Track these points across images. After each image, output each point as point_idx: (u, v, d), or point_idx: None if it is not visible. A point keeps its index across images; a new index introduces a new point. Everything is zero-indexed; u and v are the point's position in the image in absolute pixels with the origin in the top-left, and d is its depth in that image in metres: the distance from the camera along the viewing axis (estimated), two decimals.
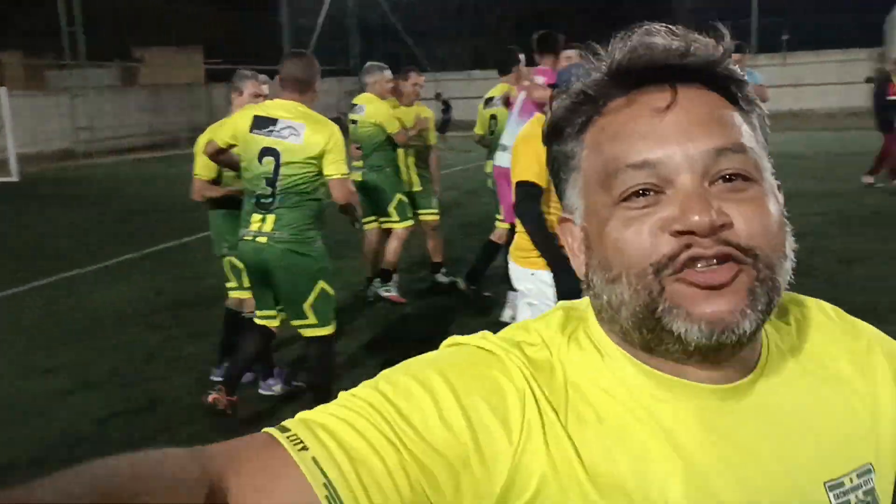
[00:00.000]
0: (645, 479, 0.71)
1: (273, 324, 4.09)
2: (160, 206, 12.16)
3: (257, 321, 4.12)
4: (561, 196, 0.81)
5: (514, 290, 5.79)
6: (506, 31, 31.51)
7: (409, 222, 6.43)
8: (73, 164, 21.04)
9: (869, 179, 11.19)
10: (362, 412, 0.69)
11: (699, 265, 0.68)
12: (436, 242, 6.77)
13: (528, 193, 3.30)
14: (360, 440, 0.67)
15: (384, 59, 7.37)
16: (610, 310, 0.73)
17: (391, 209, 6.33)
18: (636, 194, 0.71)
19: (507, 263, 5.97)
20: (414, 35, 31.53)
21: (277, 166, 3.77)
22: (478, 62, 32.48)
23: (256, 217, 3.84)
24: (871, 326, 0.88)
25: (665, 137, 0.70)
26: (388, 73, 6.35)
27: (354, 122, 6.35)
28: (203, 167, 4.50)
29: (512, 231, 5.86)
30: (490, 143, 6.48)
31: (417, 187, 6.60)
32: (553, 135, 0.80)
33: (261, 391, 4.56)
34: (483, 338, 0.78)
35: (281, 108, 3.86)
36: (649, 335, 0.71)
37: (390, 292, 6.45)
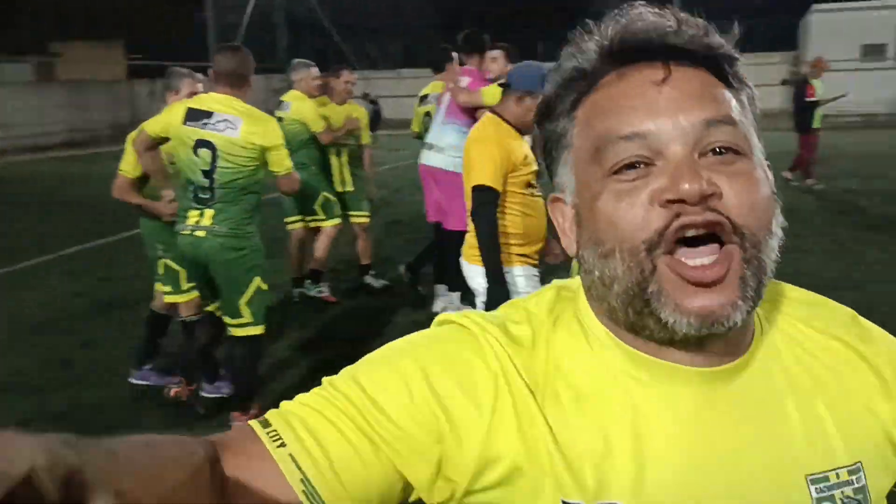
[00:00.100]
0: (618, 461, 0.71)
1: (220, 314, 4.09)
2: (83, 205, 11.75)
3: (210, 308, 4.15)
4: (552, 175, 0.81)
5: (442, 283, 5.87)
6: (435, 29, 31.56)
7: (337, 220, 6.38)
8: None
9: (787, 175, 11.62)
10: (339, 405, 0.72)
11: (690, 259, 0.68)
12: (365, 244, 6.72)
13: (485, 197, 3.31)
14: (337, 434, 0.70)
15: (312, 55, 7.31)
16: (601, 286, 0.73)
17: (317, 207, 6.27)
18: (627, 167, 0.71)
19: (436, 260, 6.06)
20: (343, 32, 31.29)
21: (214, 159, 3.73)
22: (408, 60, 32.44)
23: (194, 212, 3.79)
24: (889, 336, 0.85)
25: (656, 110, 0.70)
26: (314, 71, 6.29)
27: (280, 119, 6.27)
28: (129, 164, 4.36)
29: (436, 229, 5.90)
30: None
31: (350, 187, 6.54)
32: (544, 114, 0.80)
33: (205, 394, 4.40)
34: (465, 316, 0.79)
35: (216, 101, 3.81)
36: (635, 316, 0.71)
37: (322, 292, 6.41)
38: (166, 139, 3.91)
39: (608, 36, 0.73)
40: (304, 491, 0.68)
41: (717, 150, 0.70)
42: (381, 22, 34.94)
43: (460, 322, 0.78)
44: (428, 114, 6.53)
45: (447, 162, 5.63)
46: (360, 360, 0.78)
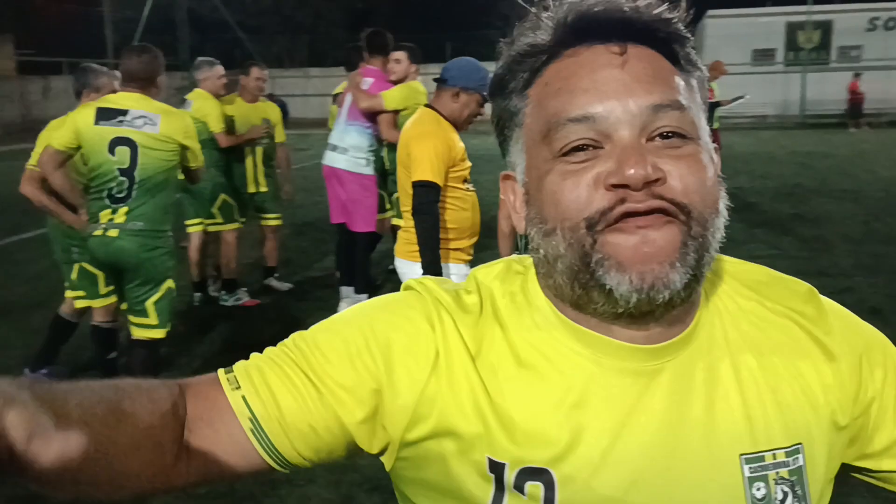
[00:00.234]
0: (552, 431, 0.74)
1: None
2: None
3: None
4: (504, 153, 0.82)
5: (348, 284, 5.84)
6: (343, 27, 31.35)
7: (235, 224, 6.23)
8: None
9: None
10: (293, 356, 0.80)
11: (633, 222, 0.69)
12: (272, 246, 6.60)
13: (427, 194, 3.32)
14: (287, 381, 0.78)
15: (217, 54, 7.13)
16: (546, 263, 0.75)
17: (214, 210, 6.10)
18: (576, 149, 0.72)
19: (337, 261, 5.97)
20: (248, 30, 30.64)
21: (135, 156, 3.70)
22: (314, 60, 32.10)
23: (106, 212, 3.72)
24: (847, 314, 0.85)
25: (606, 92, 0.71)
26: (219, 69, 6.13)
27: None
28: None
29: (340, 230, 5.87)
30: None
31: (263, 188, 6.37)
32: (497, 89, 0.80)
33: None
34: (422, 283, 0.84)
35: (129, 99, 3.79)
36: (581, 290, 0.73)
37: (241, 299, 6.26)
38: (77, 148, 3.80)
39: (564, 12, 0.74)
40: (251, 429, 0.77)
41: (665, 134, 0.71)
42: (287, 20, 34.45)
43: (416, 288, 0.84)
44: None
45: (350, 163, 5.62)
46: (326, 319, 0.85)
